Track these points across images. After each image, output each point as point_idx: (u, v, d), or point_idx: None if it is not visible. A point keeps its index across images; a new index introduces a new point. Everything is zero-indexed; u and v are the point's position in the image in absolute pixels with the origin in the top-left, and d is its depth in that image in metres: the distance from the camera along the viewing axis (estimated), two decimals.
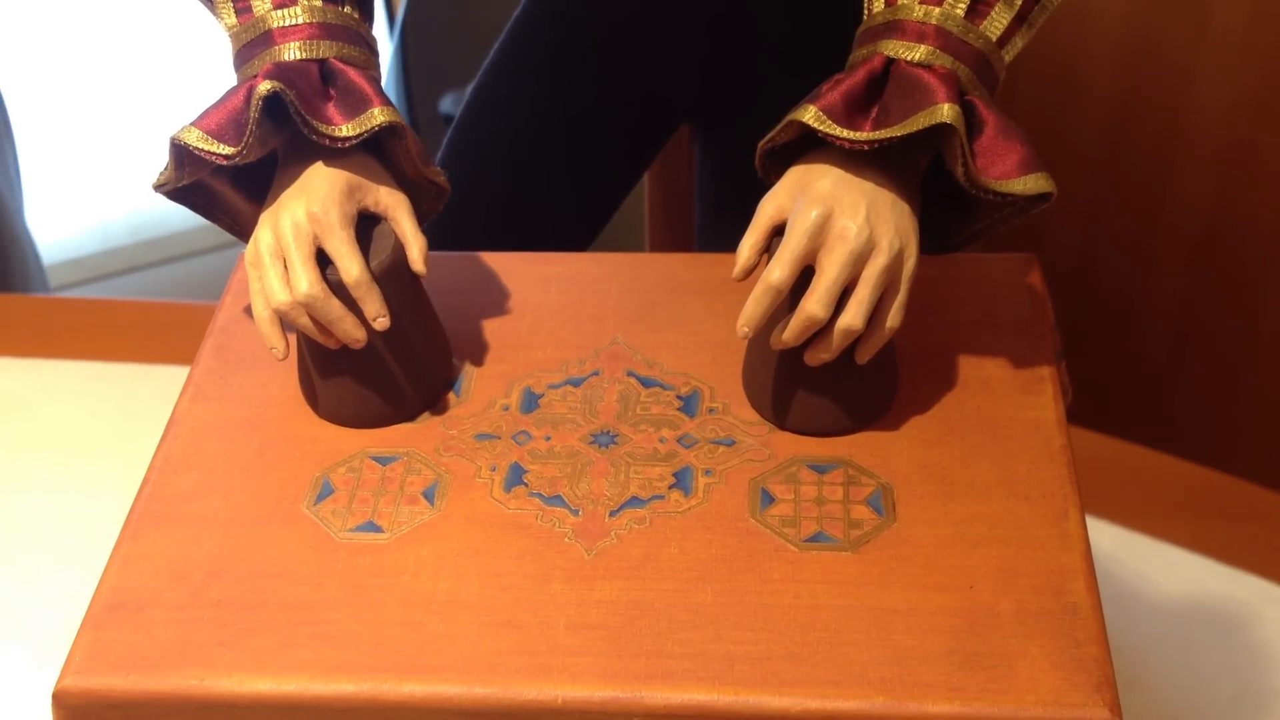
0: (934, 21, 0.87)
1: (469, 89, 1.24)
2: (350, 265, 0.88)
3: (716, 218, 1.25)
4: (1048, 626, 0.79)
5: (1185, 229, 1.99)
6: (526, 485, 0.90)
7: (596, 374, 0.97)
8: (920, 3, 0.88)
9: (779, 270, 0.85)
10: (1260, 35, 1.80)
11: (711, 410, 0.94)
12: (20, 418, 2.20)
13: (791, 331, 0.87)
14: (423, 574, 0.85)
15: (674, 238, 1.42)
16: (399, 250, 0.91)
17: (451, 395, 0.96)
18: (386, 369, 0.92)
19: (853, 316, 0.85)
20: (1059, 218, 2.08)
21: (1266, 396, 2.08)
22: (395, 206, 0.92)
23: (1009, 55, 0.90)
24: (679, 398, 0.95)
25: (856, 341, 0.88)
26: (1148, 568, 1.94)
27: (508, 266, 1.06)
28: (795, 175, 0.89)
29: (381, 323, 0.89)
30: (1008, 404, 0.92)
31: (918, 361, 0.95)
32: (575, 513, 0.88)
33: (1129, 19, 1.81)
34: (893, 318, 0.87)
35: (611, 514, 0.87)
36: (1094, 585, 0.81)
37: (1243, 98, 1.85)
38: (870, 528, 0.85)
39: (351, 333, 0.89)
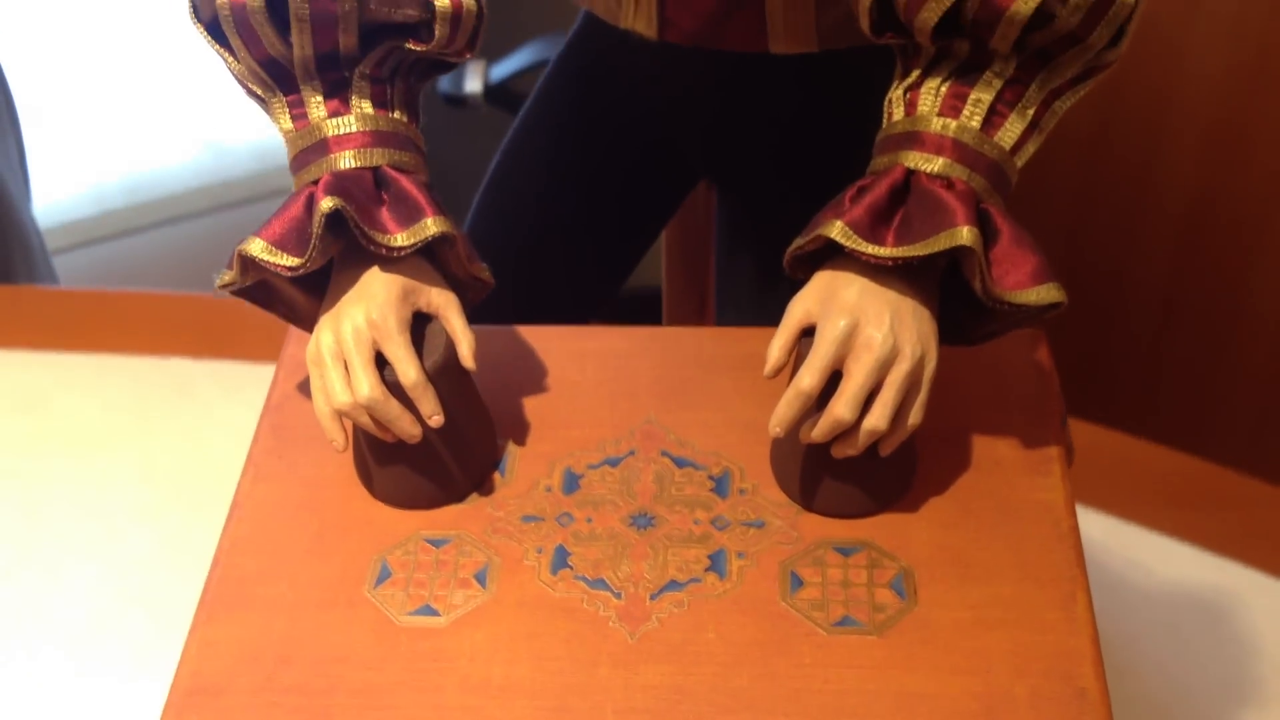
0: (951, 134, 0.93)
1: (499, 149, 1.30)
2: (408, 369, 0.94)
3: (733, 267, 1.31)
4: (1059, 711, 0.86)
5: (1173, 208, 2.04)
6: (571, 568, 0.96)
7: (633, 454, 1.03)
8: (938, 115, 0.93)
9: (809, 378, 0.91)
10: (1251, 14, 1.84)
11: (742, 491, 1.00)
12: (36, 413, 2.25)
13: (820, 431, 0.93)
14: (479, 658, 0.92)
15: (689, 272, 1.48)
16: (450, 348, 0.97)
17: (497, 475, 1.02)
18: (439, 457, 0.99)
19: (878, 419, 0.92)
20: (1048, 197, 2.12)
21: (1252, 374, 2.14)
22: (446, 306, 0.98)
23: (1021, 160, 0.96)
24: (711, 478, 1.01)
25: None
26: (1137, 556, 2.01)
27: (543, 342, 1.11)
28: (823, 281, 0.95)
29: (436, 420, 0.95)
30: (1019, 485, 0.99)
31: (933, 442, 1.01)
32: (618, 596, 0.94)
33: None
34: (914, 416, 0.93)
35: (652, 597, 0.94)
36: (1101, 670, 0.88)
37: (1233, 77, 1.89)
38: (893, 611, 0.92)
39: (408, 430, 0.95)
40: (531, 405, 1.07)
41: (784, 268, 0.98)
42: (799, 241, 0.96)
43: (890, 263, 0.91)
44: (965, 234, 0.89)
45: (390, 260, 0.96)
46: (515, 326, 1.13)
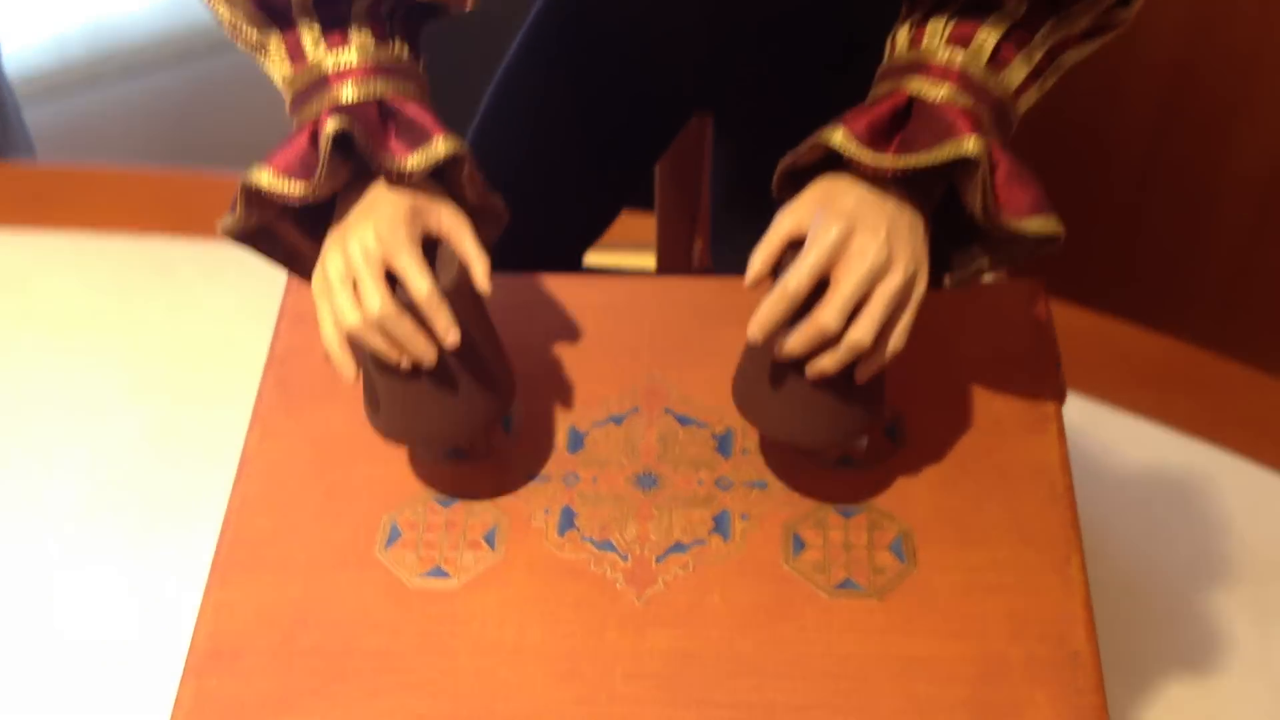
0: (958, 65, 0.91)
1: (490, 86, 1.28)
2: (419, 282, 0.90)
3: (728, 200, 1.30)
4: (1052, 674, 0.90)
5: (1156, 67, 2.03)
6: (578, 530, 0.98)
7: (636, 411, 1.04)
8: (944, 45, 0.92)
9: (796, 280, 0.88)
10: None
11: (745, 451, 1.02)
12: (16, 294, 2.25)
13: (800, 340, 0.90)
14: (490, 621, 0.94)
15: (681, 193, 1.47)
16: (463, 272, 0.94)
17: (503, 432, 1.04)
18: (456, 385, 0.95)
19: (863, 331, 0.89)
20: None
21: (1228, 242, 2.15)
22: (457, 228, 0.94)
23: (1022, 106, 0.95)
24: (714, 437, 1.03)
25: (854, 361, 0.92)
26: (1113, 439, 2.05)
27: (542, 291, 1.12)
28: (817, 191, 0.92)
29: (452, 337, 0.91)
30: (1016, 444, 1.01)
31: (931, 397, 1.03)
32: (625, 558, 0.97)
33: None
34: (896, 339, 0.90)
35: (658, 559, 0.96)
36: (1093, 633, 0.92)
37: None
38: (893, 574, 0.95)
39: (422, 348, 0.91)
40: (534, 360, 1.08)
41: (773, 186, 0.95)
42: (795, 152, 0.93)
43: (890, 174, 0.89)
44: (971, 143, 0.87)
45: (399, 182, 0.94)
46: (513, 275, 1.13)
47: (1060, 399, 1.04)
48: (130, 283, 2.29)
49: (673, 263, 1.57)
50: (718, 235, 1.30)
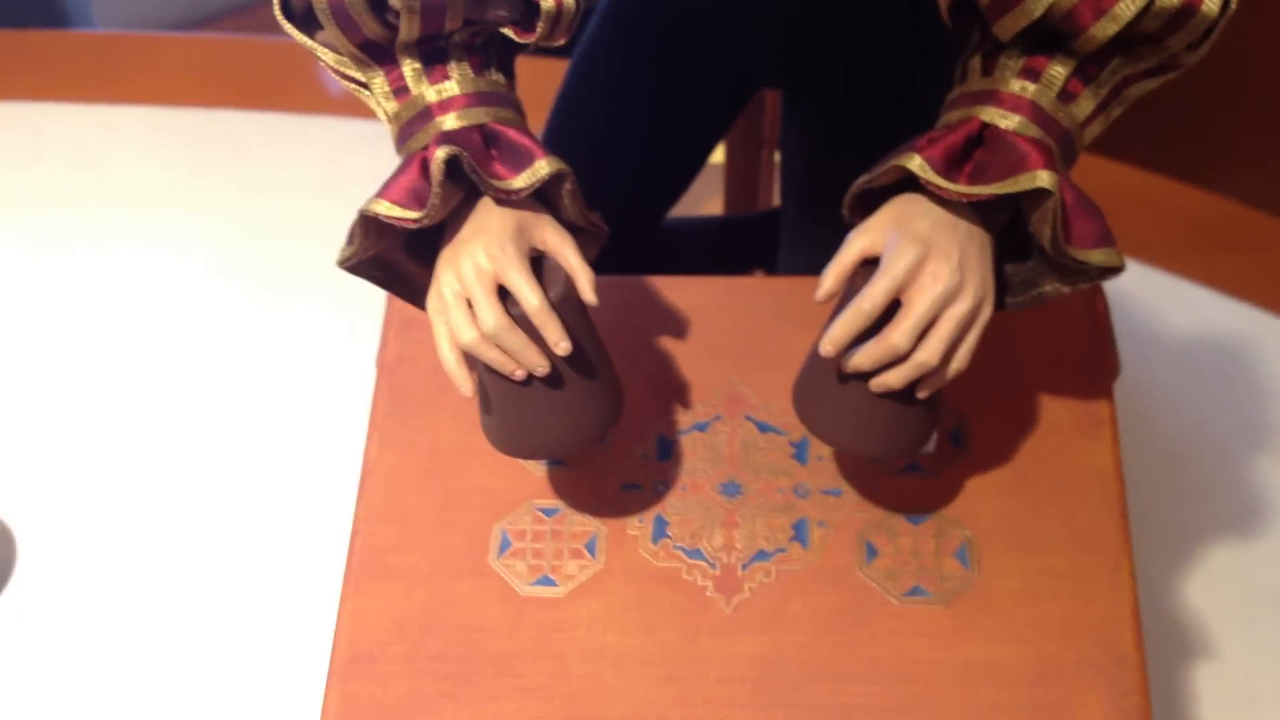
0: (1029, 96, 0.96)
1: (567, 70, 1.33)
2: (530, 295, 0.96)
3: (802, 202, 1.35)
4: (1101, 677, 1.00)
5: None
6: (670, 538, 1.08)
7: (719, 419, 1.13)
8: (1016, 76, 0.97)
9: (871, 301, 0.94)
10: None
11: (820, 458, 1.11)
12: (93, 170, 2.31)
13: (870, 357, 0.95)
14: (595, 627, 1.05)
15: (749, 154, 1.53)
16: (570, 285, 0.99)
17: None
18: (571, 392, 1.00)
19: (931, 352, 0.94)
20: None
21: (1273, 91, 2.14)
22: (562, 243, 1.00)
23: (1087, 138, 1.00)
24: (791, 444, 1.12)
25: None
26: (1163, 304, 2.09)
27: (620, 294, 1.19)
28: (891, 212, 0.97)
29: (563, 347, 0.96)
30: (1073, 449, 1.09)
31: (992, 400, 1.11)
32: (713, 566, 1.07)
33: None
34: (960, 360, 0.96)
35: (744, 567, 1.07)
36: (1139, 636, 1.02)
37: None
38: (958, 581, 1.05)
39: (536, 360, 0.97)
40: (619, 365, 1.15)
41: (844, 206, 1.00)
42: (869, 175, 0.98)
43: (964, 199, 0.94)
44: (1045, 176, 0.92)
45: (506, 202, 1.00)
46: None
47: (1114, 377, 1.11)
48: (203, 158, 2.33)
49: (742, 169, 1.63)
50: (790, 239, 1.36)
